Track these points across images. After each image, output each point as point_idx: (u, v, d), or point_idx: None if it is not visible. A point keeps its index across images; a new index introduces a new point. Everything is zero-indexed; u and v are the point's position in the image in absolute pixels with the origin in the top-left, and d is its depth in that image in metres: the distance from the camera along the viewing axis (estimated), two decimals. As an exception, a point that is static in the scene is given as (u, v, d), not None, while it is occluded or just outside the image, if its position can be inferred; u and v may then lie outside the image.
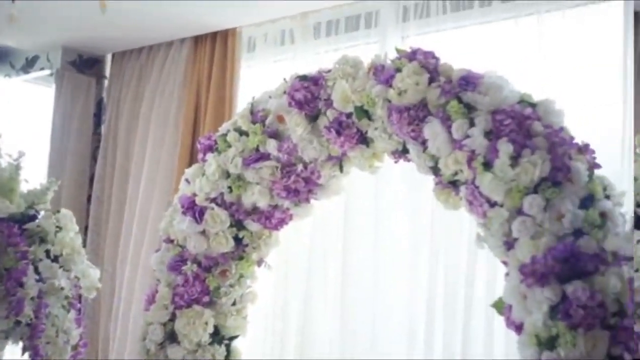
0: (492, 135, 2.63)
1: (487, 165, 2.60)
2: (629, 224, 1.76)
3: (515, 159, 2.55)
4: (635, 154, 1.82)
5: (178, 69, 4.84)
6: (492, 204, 2.63)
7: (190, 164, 4.03)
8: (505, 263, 2.68)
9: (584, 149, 2.66)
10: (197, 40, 4.85)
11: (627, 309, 1.66)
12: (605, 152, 2.78)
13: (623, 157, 3.21)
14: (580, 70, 3.37)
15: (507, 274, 2.65)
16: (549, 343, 2.42)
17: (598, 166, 2.65)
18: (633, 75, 2.95)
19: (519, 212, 2.55)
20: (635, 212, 1.41)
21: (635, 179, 1.54)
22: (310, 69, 3.32)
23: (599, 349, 2.36)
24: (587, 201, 2.53)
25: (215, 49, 4.68)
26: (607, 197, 2.60)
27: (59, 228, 3.32)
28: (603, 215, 2.51)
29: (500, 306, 2.68)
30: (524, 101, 2.72)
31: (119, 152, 5.11)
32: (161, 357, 3.39)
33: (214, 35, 4.74)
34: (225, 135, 3.41)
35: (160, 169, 4.65)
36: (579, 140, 2.66)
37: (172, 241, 3.47)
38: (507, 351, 2.96)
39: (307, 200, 3.39)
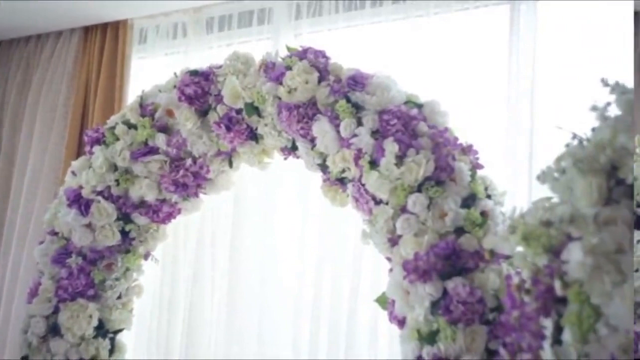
0: (378, 134, 2.68)
1: (374, 164, 2.64)
2: (507, 222, 1.81)
3: (400, 159, 2.60)
4: (636, 154, 1.87)
5: (67, 59, 4.73)
6: (378, 202, 2.67)
7: (77, 156, 3.95)
8: (389, 259, 2.72)
9: (468, 150, 2.73)
10: (87, 30, 4.74)
11: (505, 305, 1.71)
12: (488, 152, 2.85)
13: (506, 158, 3.29)
14: (467, 71, 3.43)
15: (390, 270, 2.70)
16: (429, 337, 2.48)
17: (480, 166, 2.72)
18: (633, 74, 2.99)
19: (404, 210, 2.61)
20: (635, 212, 1.45)
21: (635, 179, 1.58)
22: (202, 64, 3.30)
23: (478, 344, 2.43)
24: (469, 200, 2.61)
25: (105, 40, 4.58)
26: (489, 196, 2.68)
27: (-60, 219, 3.23)
28: (484, 214, 2.59)
29: (383, 301, 2.73)
30: (411, 102, 2.77)
31: (4, 141, 4.94)
32: (43, 350, 3.32)
33: (104, 26, 4.64)
34: (113, 128, 3.36)
35: (46, 161, 4.53)
36: (463, 140, 2.73)
37: (56, 233, 3.40)
38: (391, 346, 3.01)
39: (196, 194, 3.37)
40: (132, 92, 4.23)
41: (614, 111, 1.66)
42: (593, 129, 1.68)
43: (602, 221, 1.45)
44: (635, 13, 3.14)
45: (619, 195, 1.49)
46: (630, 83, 1.71)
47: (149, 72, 4.31)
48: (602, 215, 1.46)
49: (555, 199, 1.65)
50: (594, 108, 1.65)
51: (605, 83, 1.70)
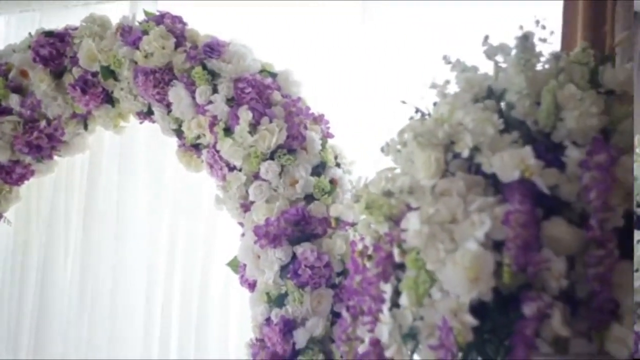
0: (233, 102, 2.68)
1: (228, 131, 2.65)
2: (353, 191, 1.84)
3: (254, 126, 2.61)
4: (636, 153, 1.88)
5: None
6: (231, 168, 2.68)
7: None
8: (241, 224, 2.74)
9: (319, 119, 2.77)
10: (-63, -16, 4.52)
11: (349, 270, 1.75)
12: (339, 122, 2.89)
13: (356, 128, 3.32)
14: (321, 42, 3.43)
15: (242, 235, 2.71)
16: (278, 300, 2.52)
17: (331, 135, 2.77)
18: (634, 74, 2.96)
19: (256, 176, 2.63)
20: (635, 212, 1.47)
21: (636, 179, 1.61)
22: (58, 22, 3.21)
23: (324, 306, 2.49)
24: (319, 168, 2.66)
25: (-44, -5, 4.38)
26: (338, 165, 2.74)
27: None
28: (333, 182, 2.64)
29: (235, 265, 2.74)
30: (265, 71, 2.78)
31: None
32: None
33: (-44, -20, 4.44)
34: (-36, 87, 3.22)
35: None
36: (315, 110, 2.77)
37: None
38: (241, 308, 3.02)
39: (50, 156, 3.28)
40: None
41: (454, 88, 1.71)
42: (435, 104, 1.73)
43: (439, 192, 1.50)
44: (635, 13, 3.17)
45: (455, 168, 1.54)
46: (470, 61, 1.76)
47: (3, 29, 4.13)
48: (439, 187, 1.50)
49: (398, 170, 1.69)
50: (434, 85, 1.70)
51: (447, 61, 1.75)
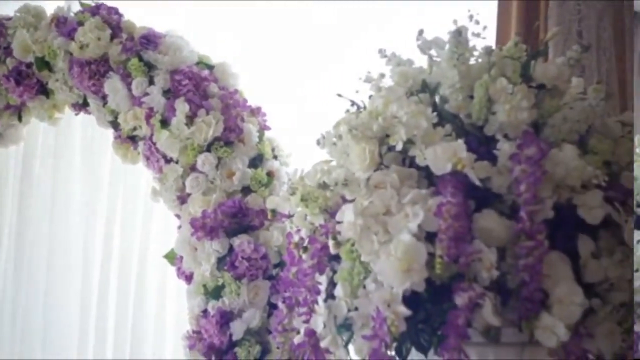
0: (170, 94, 2.65)
1: (165, 123, 2.61)
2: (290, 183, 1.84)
3: (191, 119, 2.59)
4: (636, 153, 1.87)
5: None
6: (168, 160, 2.65)
7: None
8: (178, 216, 2.72)
9: (256, 111, 2.76)
10: None
11: (286, 262, 1.75)
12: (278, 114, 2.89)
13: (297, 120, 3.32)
14: (262, 33, 3.41)
15: (179, 227, 2.69)
16: (215, 292, 2.51)
17: (268, 128, 2.77)
18: (633, 75, 2.92)
19: (193, 168, 2.61)
20: (635, 212, 1.46)
21: (636, 179, 1.60)
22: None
23: (261, 297, 2.49)
24: (257, 160, 2.65)
25: None
26: (275, 157, 2.73)
27: None
28: (270, 174, 2.64)
29: (172, 257, 2.72)
30: (202, 63, 2.76)
31: None
32: None
33: None
34: None
35: None
36: (252, 102, 2.76)
37: None
38: (178, 300, 3.00)
39: (-16, 148, 3.22)
40: None
41: (389, 82, 1.72)
42: (370, 97, 1.74)
43: (373, 185, 1.51)
44: (635, 13, 3.16)
45: (389, 161, 1.55)
46: (404, 55, 1.77)
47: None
48: (373, 179, 1.51)
49: (334, 163, 1.70)
50: (369, 79, 1.71)
51: (382, 54, 1.76)
